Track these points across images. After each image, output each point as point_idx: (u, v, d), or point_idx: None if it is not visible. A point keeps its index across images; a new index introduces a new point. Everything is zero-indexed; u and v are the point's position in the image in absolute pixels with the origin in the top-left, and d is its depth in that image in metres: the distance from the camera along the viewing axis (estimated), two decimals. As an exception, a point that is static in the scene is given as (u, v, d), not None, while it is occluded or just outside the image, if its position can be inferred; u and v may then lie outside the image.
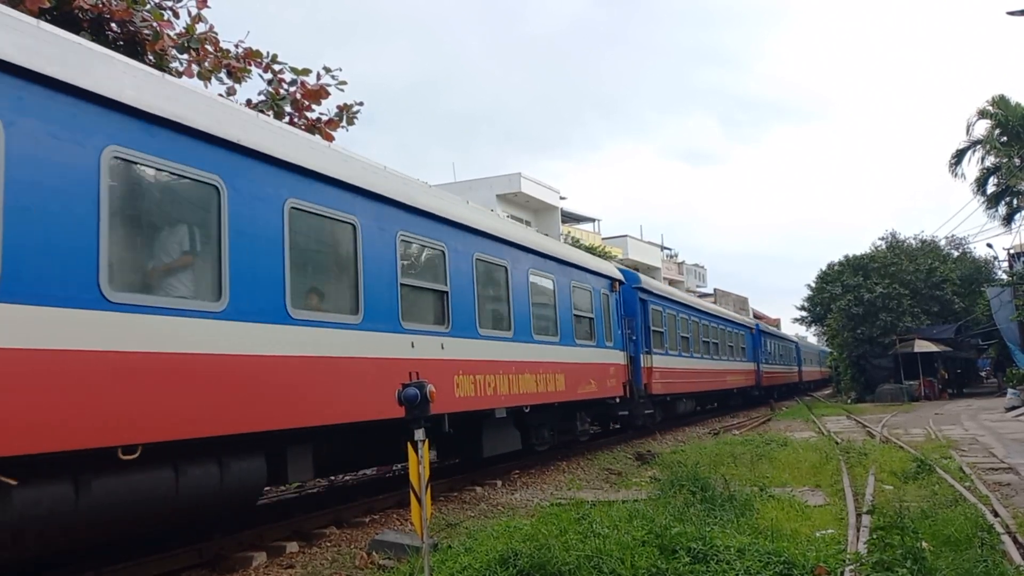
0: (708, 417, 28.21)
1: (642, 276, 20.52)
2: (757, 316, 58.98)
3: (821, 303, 43.73)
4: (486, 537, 6.95)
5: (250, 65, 11.86)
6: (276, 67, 12.14)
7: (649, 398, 18.27)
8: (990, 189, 35.08)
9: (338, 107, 12.87)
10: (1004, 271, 37.22)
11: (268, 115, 11.93)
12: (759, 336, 35.02)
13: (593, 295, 14.79)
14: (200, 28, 11.18)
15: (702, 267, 76.09)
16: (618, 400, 15.86)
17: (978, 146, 34.91)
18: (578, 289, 14.09)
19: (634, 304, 17.95)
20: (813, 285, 46.01)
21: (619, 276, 17.01)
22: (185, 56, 11.00)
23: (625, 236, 55.24)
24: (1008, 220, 35.04)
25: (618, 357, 15.89)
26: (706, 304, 29.60)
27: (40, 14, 8.71)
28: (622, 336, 16.45)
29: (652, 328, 18.95)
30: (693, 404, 24.79)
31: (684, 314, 22.93)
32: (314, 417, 7.18)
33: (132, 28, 10.19)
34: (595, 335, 14.64)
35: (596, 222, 57.44)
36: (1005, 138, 33.45)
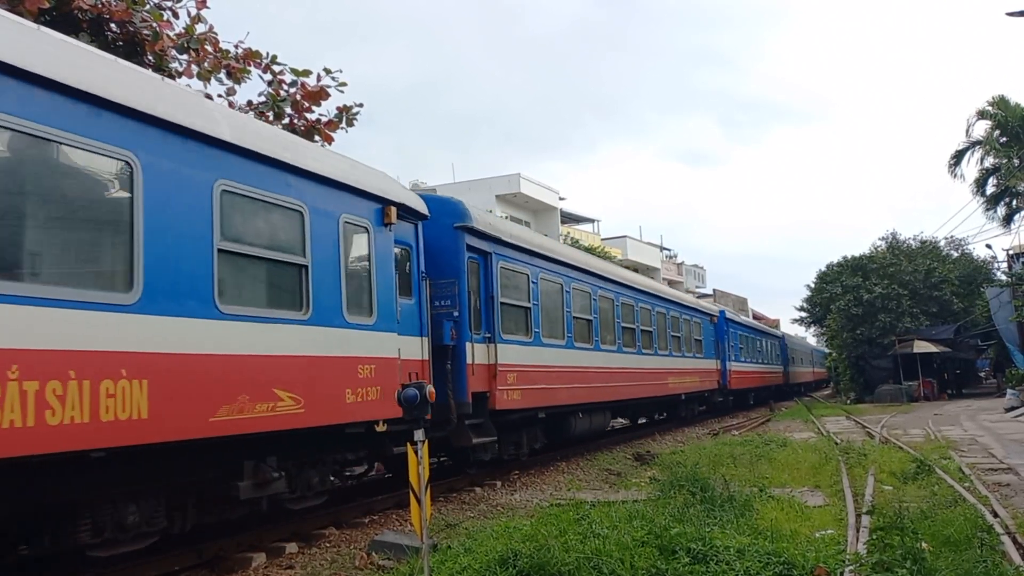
0: (641, 434, 20.36)
1: (479, 211, 11.67)
2: (756, 316, 58.56)
3: (820, 304, 43.73)
4: (486, 537, 6.95)
5: (250, 66, 11.86)
6: (276, 68, 12.15)
7: (493, 418, 11.20)
8: (989, 190, 35.08)
9: (338, 108, 12.87)
10: (1003, 272, 37.20)
11: (268, 116, 11.95)
12: (725, 326, 27.86)
13: (311, 223, 7.50)
14: (200, 28, 11.18)
15: (701, 268, 76.14)
16: (382, 426, 8.39)
17: (977, 147, 34.91)
18: (252, 201, 6.96)
19: (458, 256, 10.58)
20: (812, 286, 46.04)
21: (408, 200, 9.38)
22: (185, 56, 11.00)
23: (625, 237, 55.31)
24: (1007, 221, 35.05)
25: (398, 346, 8.74)
26: (629, 274, 20.16)
27: (40, 14, 8.73)
28: (419, 309, 9.49)
29: (502, 300, 11.65)
30: (604, 419, 16.52)
31: (581, 283, 14.95)
32: None
33: (131, 28, 10.19)
34: (308, 302, 7.37)
35: (596, 223, 57.57)
36: (1004, 139, 33.46)
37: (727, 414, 28.99)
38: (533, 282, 12.98)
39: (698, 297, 38.33)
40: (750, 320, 39.37)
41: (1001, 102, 33.43)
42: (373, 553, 7.21)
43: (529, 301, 12.80)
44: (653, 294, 20.42)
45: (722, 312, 28.58)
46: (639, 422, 22.77)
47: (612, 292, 16.89)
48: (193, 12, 11.24)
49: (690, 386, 22.65)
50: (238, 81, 11.82)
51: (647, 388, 18.60)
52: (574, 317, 14.54)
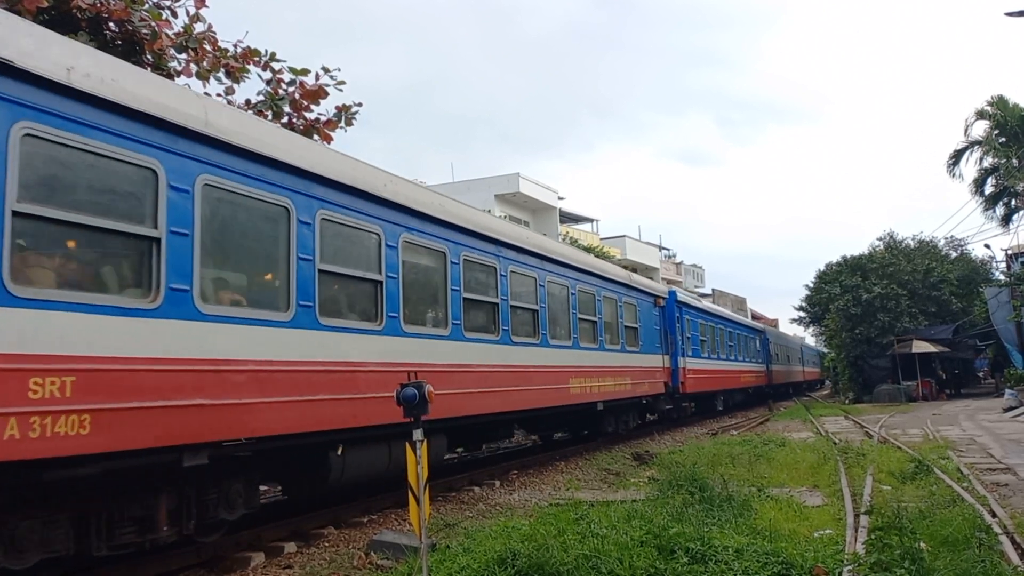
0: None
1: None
2: (755, 316, 58.27)
3: (819, 303, 43.78)
4: (484, 537, 6.95)
5: (249, 64, 11.85)
6: (275, 67, 12.14)
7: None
8: (988, 190, 35.16)
9: (337, 107, 12.86)
10: (1002, 272, 37.26)
11: (267, 115, 11.94)
12: (677, 311, 21.45)
13: None
14: (198, 27, 11.17)
15: (700, 268, 76.25)
16: None
17: (976, 147, 34.98)
18: None
19: None
20: (811, 285, 46.10)
21: None
22: (183, 55, 10.99)
23: (624, 236, 55.28)
24: (1006, 220, 35.13)
25: None
26: (488, 220, 12.47)
27: (38, 13, 8.71)
28: None
29: (28, 210, 5.21)
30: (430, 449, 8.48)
31: (352, 216, 8.51)
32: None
33: (130, 27, 10.18)
34: None
35: (595, 222, 57.58)
36: (1003, 139, 33.51)
37: (682, 425, 23.30)
38: (176, 189, 6.34)
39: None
40: (715, 307, 31.87)
41: (1000, 102, 33.49)
42: (372, 553, 7.21)
43: (154, 226, 6.14)
44: (540, 255, 13.16)
45: (672, 293, 21.90)
46: (555, 438, 17.68)
47: (444, 243, 10.15)
48: (192, 11, 11.23)
49: (616, 391, 16.07)
50: (237, 80, 11.80)
51: (527, 395, 12.11)
52: (324, 273, 7.87)
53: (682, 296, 23.20)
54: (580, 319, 14.67)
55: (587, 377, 14.64)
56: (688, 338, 22.52)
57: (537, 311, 12.88)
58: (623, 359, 16.82)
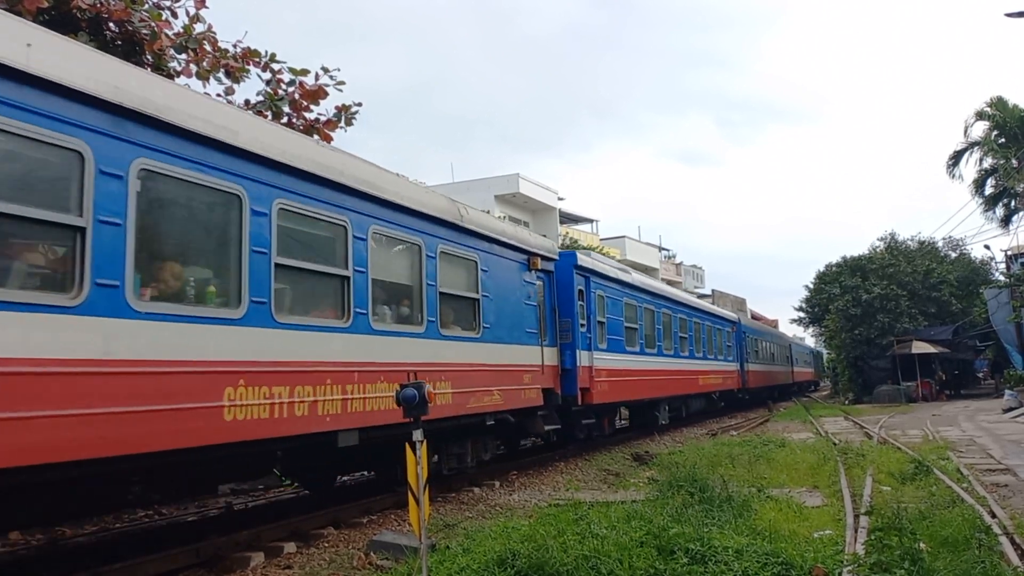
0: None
1: None
2: (755, 316, 57.76)
3: (819, 304, 43.80)
4: (484, 538, 6.95)
5: (248, 65, 11.86)
6: (275, 67, 12.15)
7: None
8: (988, 191, 35.15)
9: (336, 108, 12.87)
10: (1001, 272, 37.27)
11: (267, 115, 11.95)
12: (581, 283, 14.56)
13: None
14: (198, 28, 11.18)
15: (700, 268, 76.21)
16: None
17: (976, 148, 34.97)
18: None
19: None
20: (811, 286, 46.09)
21: None
22: (183, 56, 11.00)
23: (623, 237, 55.30)
24: (1006, 221, 35.12)
25: None
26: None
27: (38, 14, 8.72)
28: None
29: None
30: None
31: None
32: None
33: (130, 28, 10.19)
34: None
35: (594, 223, 57.60)
36: (1003, 140, 33.51)
37: (598, 448, 16.03)
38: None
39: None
40: (651, 281, 21.99)
41: (999, 103, 33.50)
42: (371, 553, 7.20)
43: None
44: (123, 110, 5.54)
45: (568, 255, 14.61)
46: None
47: None
48: (192, 12, 11.24)
49: (446, 410, 9.62)
50: (237, 80, 11.81)
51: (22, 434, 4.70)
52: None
53: (587, 261, 15.32)
54: (289, 268, 7.36)
55: (306, 384, 7.30)
56: (602, 323, 15.55)
57: (83, 232, 5.30)
58: (435, 350, 9.61)
